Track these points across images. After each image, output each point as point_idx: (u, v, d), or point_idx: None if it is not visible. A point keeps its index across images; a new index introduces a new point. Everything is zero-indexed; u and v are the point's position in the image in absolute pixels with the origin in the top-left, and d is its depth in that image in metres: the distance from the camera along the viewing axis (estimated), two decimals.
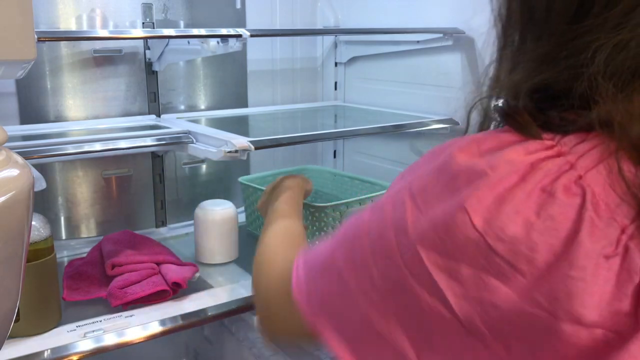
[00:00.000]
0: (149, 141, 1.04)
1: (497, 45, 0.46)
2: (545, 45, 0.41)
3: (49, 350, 0.77)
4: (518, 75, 0.42)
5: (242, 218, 1.24)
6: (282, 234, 0.74)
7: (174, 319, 0.86)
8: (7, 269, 0.41)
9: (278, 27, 1.45)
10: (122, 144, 1.01)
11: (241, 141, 0.98)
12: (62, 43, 1.14)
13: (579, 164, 0.36)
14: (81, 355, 0.78)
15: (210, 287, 0.97)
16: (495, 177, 0.37)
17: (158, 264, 0.97)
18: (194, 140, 1.07)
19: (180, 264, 0.98)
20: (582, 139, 0.38)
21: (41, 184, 0.86)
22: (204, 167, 1.34)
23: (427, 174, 0.41)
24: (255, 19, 1.38)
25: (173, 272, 0.93)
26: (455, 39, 1.19)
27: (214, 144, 1.02)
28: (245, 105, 1.41)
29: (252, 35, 1.05)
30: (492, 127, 0.45)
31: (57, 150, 0.95)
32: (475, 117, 0.47)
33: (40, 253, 0.78)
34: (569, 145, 0.37)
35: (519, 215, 0.36)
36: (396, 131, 1.19)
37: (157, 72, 1.24)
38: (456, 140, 0.42)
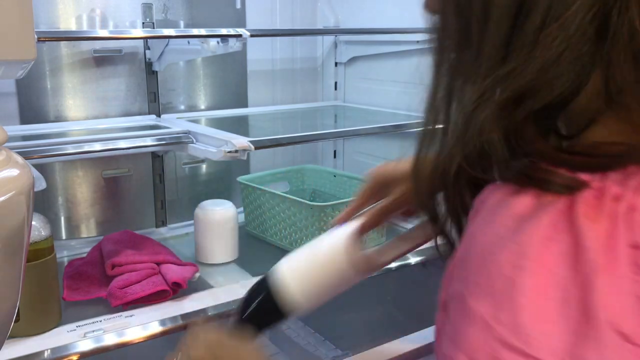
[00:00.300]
0: (149, 141, 1.04)
1: (435, 62, 0.44)
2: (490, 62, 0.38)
3: (49, 350, 0.77)
4: (487, 106, 0.38)
5: (242, 218, 1.24)
6: None
7: (174, 319, 0.86)
8: (7, 269, 0.41)
9: (278, 27, 1.45)
10: (122, 144, 1.01)
11: (241, 141, 0.98)
12: (62, 43, 1.14)
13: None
14: (81, 355, 0.78)
15: (210, 287, 0.97)
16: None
17: (158, 264, 0.97)
18: (194, 140, 1.07)
19: (180, 264, 0.98)
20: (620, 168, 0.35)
21: (41, 184, 0.86)
22: (204, 167, 1.34)
23: None
24: (255, 19, 1.38)
25: (173, 272, 0.93)
26: None
27: (214, 144, 1.02)
28: (245, 105, 1.41)
29: (252, 35, 1.06)
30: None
31: (57, 150, 0.95)
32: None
33: (40, 253, 0.78)
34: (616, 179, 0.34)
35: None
36: (396, 131, 1.19)
37: (157, 72, 1.24)
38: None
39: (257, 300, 0.64)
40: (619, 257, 0.32)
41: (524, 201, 0.36)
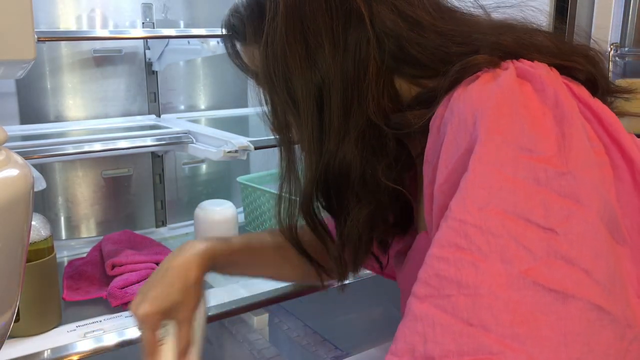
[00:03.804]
0: (149, 141, 1.04)
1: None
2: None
3: (49, 350, 0.77)
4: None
5: (242, 218, 1.24)
6: None
7: None
8: (7, 269, 0.41)
9: None
10: (122, 144, 1.01)
11: (241, 141, 0.98)
12: (62, 43, 1.14)
13: None
14: (81, 355, 0.78)
15: (210, 287, 0.97)
16: None
17: (158, 264, 0.97)
18: (194, 140, 1.07)
19: None
20: None
21: (41, 184, 0.86)
22: (204, 167, 1.34)
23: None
24: None
25: None
26: None
27: (214, 144, 1.02)
28: (245, 105, 1.41)
29: None
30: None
31: (57, 150, 0.95)
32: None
33: (40, 253, 0.78)
34: None
35: None
36: None
37: (157, 72, 1.24)
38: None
39: None
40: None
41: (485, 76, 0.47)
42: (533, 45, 0.51)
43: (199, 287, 0.69)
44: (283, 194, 0.60)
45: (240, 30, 0.61)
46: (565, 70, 0.49)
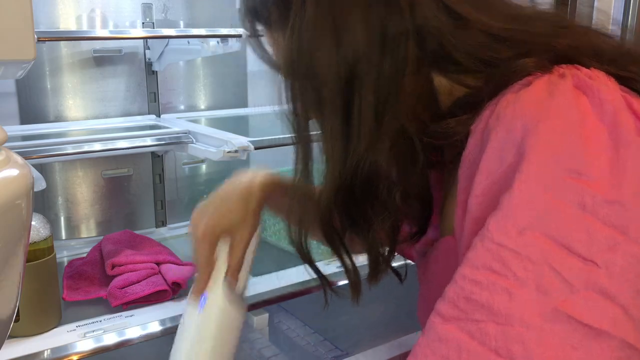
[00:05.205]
0: (149, 141, 1.04)
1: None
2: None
3: (49, 350, 0.77)
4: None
5: None
6: None
7: (173, 319, 0.86)
8: (7, 269, 0.41)
9: None
10: (122, 144, 1.01)
11: (241, 141, 0.98)
12: (62, 43, 1.14)
13: None
14: (81, 355, 0.78)
15: None
16: None
17: (158, 264, 0.97)
18: (194, 140, 1.07)
19: (180, 263, 0.98)
20: None
21: (41, 184, 0.86)
22: (204, 167, 1.34)
23: None
24: None
25: (173, 272, 0.93)
26: None
27: (214, 144, 1.02)
28: (245, 105, 1.41)
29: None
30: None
31: (57, 150, 0.95)
32: None
33: (40, 253, 0.78)
34: None
35: None
36: None
37: (157, 72, 1.24)
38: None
39: None
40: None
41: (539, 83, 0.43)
42: (591, 49, 0.46)
43: (258, 214, 0.67)
44: (296, 199, 0.55)
45: (264, 14, 0.55)
46: (622, 80, 0.45)
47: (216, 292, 0.64)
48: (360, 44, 0.47)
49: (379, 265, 0.55)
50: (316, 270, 0.61)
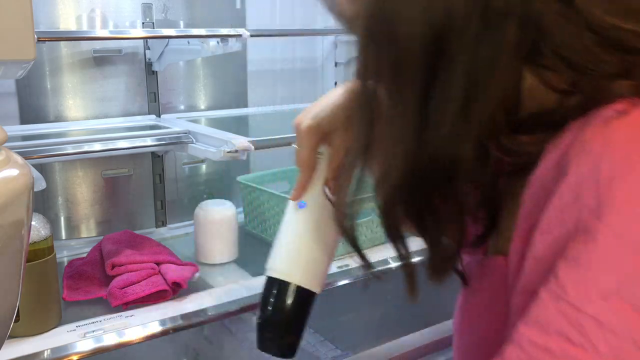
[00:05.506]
0: (149, 141, 1.05)
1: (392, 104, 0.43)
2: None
3: (49, 350, 0.77)
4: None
5: (242, 218, 1.24)
6: None
7: (173, 319, 0.86)
8: (7, 269, 0.41)
9: (278, 27, 1.45)
10: (122, 144, 1.01)
11: (241, 141, 0.98)
12: (62, 43, 1.14)
13: None
14: (81, 355, 0.78)
15: (210, 287, 0.97)
16: None
17: (158, 264, 0.97)
18: (194, 140, 1.07)
19: (180, 264, 0.98)
20: None
21: (41, 184, 0.86)
22: (204, 167, 1.34)
23: None
24: (255, 19, 1.38)
25: (173, 272, 0.93)
26: None
27: (214, 144, 1.02)
28: (245, 105, 1.41)
29: (252, 35, 1.06)
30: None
31: (57, 150, 0.95)
32: None
33: (40, 253, 0.78)
34: None
35: None
36: None
37: (157, 72, 1.24)
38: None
39: (279, 305, 0.65)
40: None
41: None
42: None
43: None
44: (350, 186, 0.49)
45: None
46: None
47: (315, 193, 0.65)
48: (456, 5, 0.38)
49: (444, 264, 0.49)
50: (360, 253, 0.56)
